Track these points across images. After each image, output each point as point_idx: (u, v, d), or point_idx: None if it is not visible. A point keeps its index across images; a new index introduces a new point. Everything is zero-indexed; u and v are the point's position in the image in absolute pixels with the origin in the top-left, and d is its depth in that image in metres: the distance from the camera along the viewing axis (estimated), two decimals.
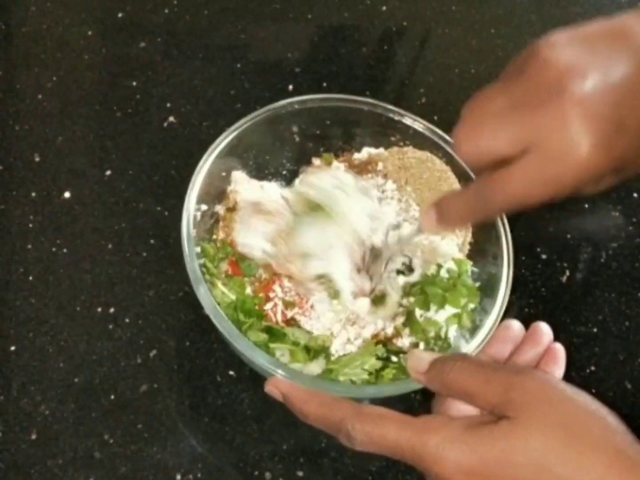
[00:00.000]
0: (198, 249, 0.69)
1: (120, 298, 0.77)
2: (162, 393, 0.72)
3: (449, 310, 0.72)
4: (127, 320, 0.76)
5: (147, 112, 0.92)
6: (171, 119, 0.91)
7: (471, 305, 0.73)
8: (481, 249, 0.77)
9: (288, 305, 0.70)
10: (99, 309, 0.76)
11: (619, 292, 0.86)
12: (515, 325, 0.62)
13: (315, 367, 0.68)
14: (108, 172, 0.86)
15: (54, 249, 0.79)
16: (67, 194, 0.83)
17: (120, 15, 1.02)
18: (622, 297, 0.85)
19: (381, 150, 0.82)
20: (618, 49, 0.47)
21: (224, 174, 0.76)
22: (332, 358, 0.69)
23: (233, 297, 0.70)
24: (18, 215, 0.81)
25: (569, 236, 0.89)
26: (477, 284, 0.75)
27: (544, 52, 0.48)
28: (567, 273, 0.86)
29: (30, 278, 0.77)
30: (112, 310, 0.76)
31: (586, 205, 0.92)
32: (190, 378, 0.73)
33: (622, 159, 0.48)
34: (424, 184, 0.79)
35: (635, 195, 0.94)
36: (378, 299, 0.72)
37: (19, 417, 0.69)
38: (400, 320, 0.72)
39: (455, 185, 0.78)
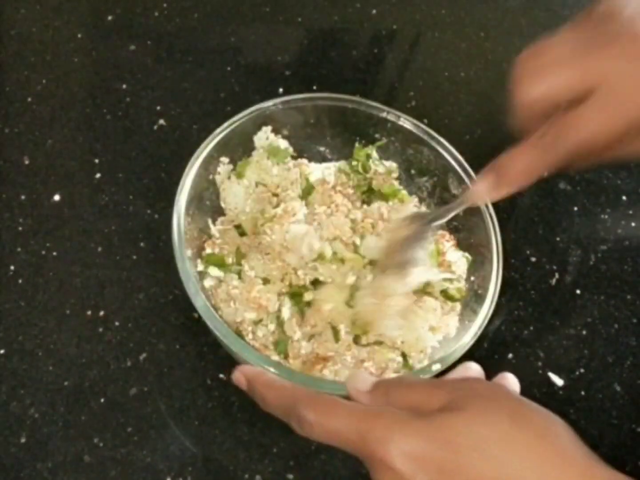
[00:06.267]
0: (189, 252, 0.69)
1: (110, 301, 0.77)
2: (152, 396, 0.72)
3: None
4: (117, 323, 0.76)
5: (137, 115, 0.92)
6: (161, 121, 0.91)
7: None
8: (471, 250, 0.78)
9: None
10: (89, 312, 0.76)
11: (607, 295, 0.86)
12: (475, 366, 0.59)
13: None
14: (98, 175, 0.85)
15: (43, 252, 0.79)
16: (56, 197, 0.83)
17: (110, 18, 1.01)
18: (611, 300, 0.86)
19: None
20: None
21: (210, 176, 0.77)
22: None
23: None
24: (7, 218, 0.81)
25: (558, 239, 0.90)
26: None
27: None
28: (557, 276, 0.86)
29: (20, 281, 0.77)
30: (101, 313, 0.76)
31: (575, 208, 0.93)
32: (181, 381, 0.73)
33: None
34: None
35: (624, 198, 0.95)
36: None
37: (8, 420, 0.69)
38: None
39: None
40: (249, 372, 0.58)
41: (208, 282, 0.73)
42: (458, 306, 0.75)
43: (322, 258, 0.74)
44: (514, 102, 0.53)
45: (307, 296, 0.72)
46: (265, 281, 0.72)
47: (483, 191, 0.59)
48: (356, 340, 0.72)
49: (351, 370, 0.68)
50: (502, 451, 0.45)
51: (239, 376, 0.58)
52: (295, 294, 0.73)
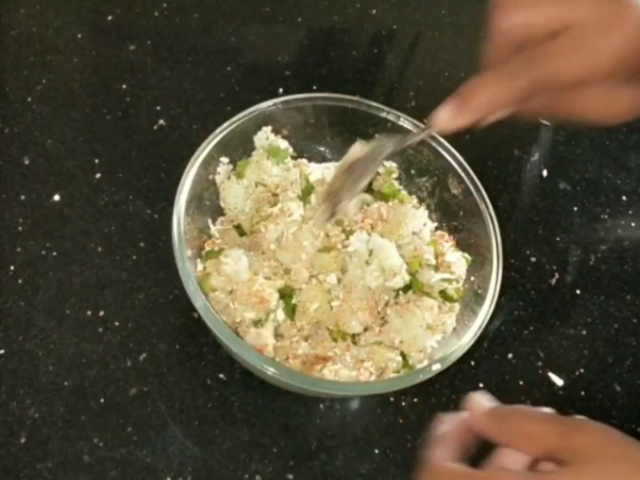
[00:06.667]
0: (189, 252, 0.69)
1: (110, 301, 0.77)
2: (151, 396, 0.72)
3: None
4: (116, 323, 0.76)
5: (137, 115, 0.92)
6: (161, 121, 0.91)
7: None
8: (471, 250, 0.77)
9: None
10: (89, 312, 0.76)
11: (607, 295, 0.86)
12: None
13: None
14: (98, 175, 0.85)
15: (43, 252, 0.79)
16: (56, 197, 0.83)
17: (110, 18, 1.01)
18: (611, 300, 0.86)
19: None
20: None
21: (210, 176, 0.77)
22: None
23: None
24: (7, 218, 0.81)
25: (558, 239, 0.90)
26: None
27: None
28: (557, 276, 0.86)
29: (20, 281, 0.77)
30: (101, 313, 0.76)
31: (575, 208, 0.93)
32: (180, 381, 0.73)
33: None
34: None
35: (624, 198, 0.95)
36: None
37: (8, 420, 0.69)
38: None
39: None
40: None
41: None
42: (457, 306, 0.75)
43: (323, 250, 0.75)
44: (490, 29, 0.54)
45: (294, 298, 0.73)
46: (267, 277, 0.72)
47: (444, 118, 0.57)
48: (355, 340, 0.72)
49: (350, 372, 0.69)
50: None
51: None
52: (287, 295, 0.73)
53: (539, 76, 0.52)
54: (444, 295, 0.75)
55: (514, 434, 0.49)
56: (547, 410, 0.53)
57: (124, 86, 0.94)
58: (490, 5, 0.54)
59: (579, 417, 0.51)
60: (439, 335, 0.72)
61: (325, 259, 0.74)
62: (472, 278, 0.76)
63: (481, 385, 0.77)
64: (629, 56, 0.50)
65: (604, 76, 0.51)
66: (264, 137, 0.80)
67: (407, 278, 0.74)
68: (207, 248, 0.75)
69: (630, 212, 0.94)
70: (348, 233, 0.76)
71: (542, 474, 0.46)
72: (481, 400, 0.53)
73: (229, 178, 0.78)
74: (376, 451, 0.71)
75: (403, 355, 0.72)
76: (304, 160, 0.83)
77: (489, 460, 0.51)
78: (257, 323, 0.71)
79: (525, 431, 0.48)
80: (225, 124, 0.76)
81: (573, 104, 0.55)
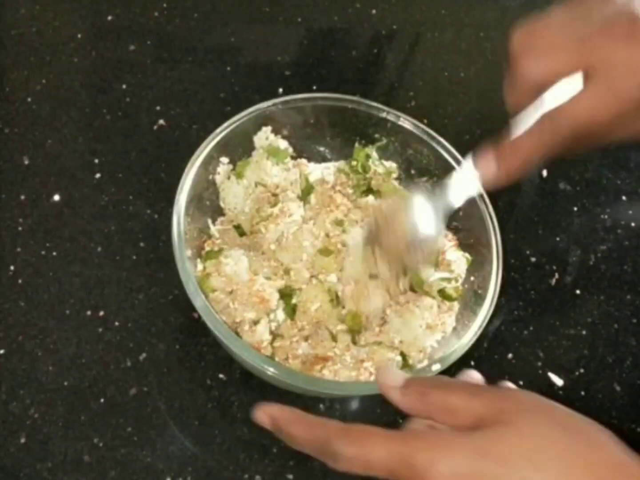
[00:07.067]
0: (189, 252, 0.69)
1: (110, 301, 0.77)
2: (151, 396, 0.72)
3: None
4: (116, 323, 0.76)
5: (136, 115, 0.92)
6: (161, 122, 0.91)
7: None
8: (471, 250, 0.77)
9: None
10: (89, 312, 0.76)
11: (607, 295, 0.86)
12: (476, 375, 0.55)
13: None
14: (98, 175, 0.85)
15: (43, 252, 0.79)
16: (56, 197, 0.83)
17: (110, 18, 1.01)
18: (611, 300, 0.86)
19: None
20: None
21: (210, 176, 0.77)
22: None
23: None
24: (7, 218, 0.81)
25: (558, 239, 0.90)
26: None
27: None
28: (556, 276, 0.86)
29: (20, 281, 0.77)
30: (101, 313, 0.76)
31: (575, 208, 0.93)
32: (180, 381, 0.73)
33: None
34: None
35: (624, 198, 0.95)
36: None
37: (8, 420, 0.69)
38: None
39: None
40: (272, 411, 0.52)
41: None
42: (456, 306, 0.75)
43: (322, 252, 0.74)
44: (511, 76, 0.55)
45: (294, 298, 0.73)
46: (267, 277, 0.72)
47: (487, 171, 0.60)
48: (355, 340, 0.72)
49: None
50: (557, 462, 0.43)
51: (261, 415, 0.52)
52: (287, 295, 0.73)
53: (571, 129, 0.53)
54: (443, 294, 0.75)
55: (435, 408, 0.48)
56: (472, 375, 0.54)
57: (123, 86, 0.94)
58: (510, 52, 0.55)
59: (506, 383, 0.53)
60: (438, 335, 0.73)
61: (325, 261, 0.74)
62: (472, 278, 0.76)
63: None
64: None
65: (633, 117, 0.51)
66: (264, 137, 0.80)
67: None
68: (207, 248, 0.75)
69: (630, 212, 0.94)
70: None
71: (468, 431, 0.45)
72: (393, 372, 0.52)
73: (229, 178, 0.78)
74: None
75: (403, 355, 0.72)
76: (304, 160, 0.83)
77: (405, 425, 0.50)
78: (257, 323, 0.71)
79: (447, 405, 0.47)
80: (225, 124, 0.76)
81: (613, 135, 0.55)
